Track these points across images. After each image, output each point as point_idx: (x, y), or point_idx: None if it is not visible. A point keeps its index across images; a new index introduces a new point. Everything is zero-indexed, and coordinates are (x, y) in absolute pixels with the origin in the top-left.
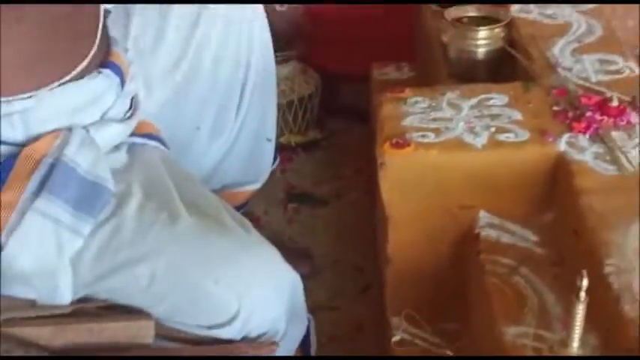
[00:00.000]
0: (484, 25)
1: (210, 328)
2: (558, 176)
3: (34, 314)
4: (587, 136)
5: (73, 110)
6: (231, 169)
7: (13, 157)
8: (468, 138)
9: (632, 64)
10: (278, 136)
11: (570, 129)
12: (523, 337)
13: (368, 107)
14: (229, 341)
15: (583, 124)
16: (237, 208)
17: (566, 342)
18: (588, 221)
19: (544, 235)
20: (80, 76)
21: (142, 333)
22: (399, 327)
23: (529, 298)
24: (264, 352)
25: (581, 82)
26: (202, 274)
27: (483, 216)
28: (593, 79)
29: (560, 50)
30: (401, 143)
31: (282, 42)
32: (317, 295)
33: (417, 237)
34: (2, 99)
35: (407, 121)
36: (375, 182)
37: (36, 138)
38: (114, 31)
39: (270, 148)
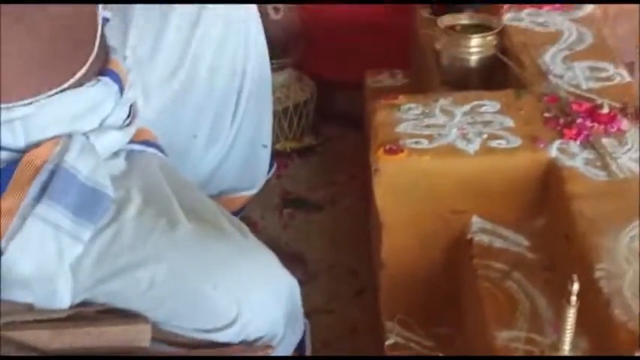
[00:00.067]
0: (477, 33)
1: (208, 331)
2: (549, 182)
3: (33, 318)
4: (578, 142)
5: (72, 117)
6: (228, 175)
7: (13, 163)
8: (461, 144)
9: (623, 72)
10: (274, 143)
11: (561, 135)
12: (515, 341)
13: (362, 114)
14: (226, 345)
15: (574, 131)
16: (234, 214)
17: (557, 346)
18: (579, 226)
19: (536, 240)
20: (79, 83)
21: (140, 337)
22: (392, 330)
23: (521, 303)
24: (259, 354)
25: (572, 89)
26: (201, 279)
27: (476, 221)
28: (584, 87)
29: (551, 58)
30: (394, 149)
31: (278, 50)
32: (312, 299)
33: (410, 242)
34: (3, 105)
35: (400, 128)
36: (369, 188)
37: (36, 144)
38: (112, 39)
39: (265, 155)
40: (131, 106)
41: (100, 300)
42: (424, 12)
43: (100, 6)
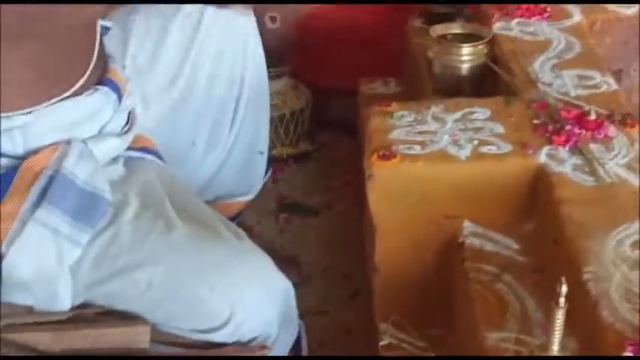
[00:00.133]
0: (468, 42)
1: (204, 332)
2: (539, 187)
3: (34, 320)
4: (567, 148)
5: (71, 125)
6: (226, 181)
7: (13, 170)
8: (452, 150)
9: (610, 80)
10: (270, 148)
11: (550, 142)
12: (505, 342)
13: (356, 121)
14: (222, 345)
15: (562, 137)
16: (231, 219)
17: (546, 346)
18: (567, 230)
19: (525, 244)
20: (78, 92)
21: (139, 338)
22: (386, 332)
23: (511, 304)
24: (255, 355)
25: (560, 96)
26: (198, 281)
27: (467, 225)
28: (572, 94)
29: (540, 66)
30: (387, 155)
31: (275, 58)
32: (307, 301)
33: (403, 245)
34: (2, 114)
35: (393, 134)
36: (363, 193)
37: (35, 151)
38: (112, 48)
39: (262, 161)
40: (129, 114)
41: (99, 302)
42: (417, 22)
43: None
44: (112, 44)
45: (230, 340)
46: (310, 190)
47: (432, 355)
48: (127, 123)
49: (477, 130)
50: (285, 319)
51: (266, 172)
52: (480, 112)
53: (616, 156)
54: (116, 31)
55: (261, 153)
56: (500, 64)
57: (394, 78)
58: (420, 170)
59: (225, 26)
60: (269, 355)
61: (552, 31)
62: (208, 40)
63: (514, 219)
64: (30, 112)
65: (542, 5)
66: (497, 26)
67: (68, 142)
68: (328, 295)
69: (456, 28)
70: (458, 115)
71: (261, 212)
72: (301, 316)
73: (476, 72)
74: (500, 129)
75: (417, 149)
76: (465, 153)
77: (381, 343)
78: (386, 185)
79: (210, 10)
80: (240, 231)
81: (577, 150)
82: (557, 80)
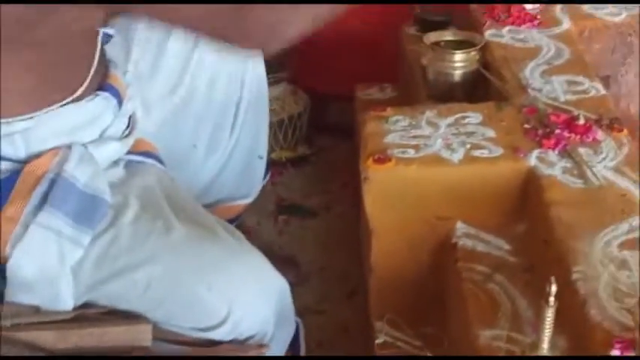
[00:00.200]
0: (460, 48)
1: (203, 330)
2: (529, 189)
3: (39, 320)
4: (556, 152)
5: (72, 129)
6: (226, 184)
7: (15, 173)
8: (446, 154)
9: (598, 85)
10: (269, 152)
11: (540, 145)
12: (497, 340)
13: (353, 125)
14: (220, 342)
15: (552, 141)
16: (231, 221)
17: (536, 344)
18: (557, 231)
19: (516, 245)
20: (79, 98)
21: (141, 336)
22: (382, 330)
23: (502, 303)
24: (253, 353)
25: (550, 101)
26: (196, 281)
27: (460, 226)
28: (562, 99)
29: (530, 72)
30: (383, 159)
31: (274, 65)
32: (305, 300)
33: (398, 246)
34: (3, 120)
35: (389, 138)
36: (360, 195)
37: (37, 155)
38: (114, 54)
39: (261, 165)
40: (130, 118)
41: (101, 302)
42: (411, 29)
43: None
44: (113, 50)
45: (228, 338)
46: (308, 193)
47: (427, 352)
48: (127, 127)
49: (470, 134)
50: (282, 317)
51: (265, 175)
52: (473, 116)
53: (604, 159)
54: (118, 39)
55: (261, 157)
56: (491, 70)
57: (390, 84)
58: (415, 173)
59: None
60: (267, 352)
61: (542, 38)
62: (208, 50)
63: (505, 220)
64: (31, 118)
65: (533, 13)
66: (489, 33)
67: (69, 146)
68: (326, 294)
69: (448, 36)
70: (451, 119)
71: (261, 214)
72: (299, 314)
73: (468, 78)
74: (491, 133)
75: (412, 153)
76: (457, 156)
77: (376, 341)
78: (381, 188)
79: None
80: (237, 232)
81: (566, 153)
82: (546, 86)
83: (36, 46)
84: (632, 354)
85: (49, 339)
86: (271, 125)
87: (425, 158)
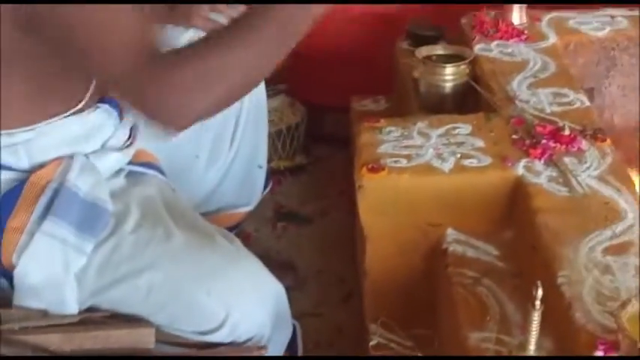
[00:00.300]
0: (451, 62)
1: (203, 333)
2: (517, 197)
3: (46, 323)
4: (542, 161)
5: (73, 140)
6: (227, 193)
7: (20, 184)
8: (436, 163)
9: (582, 97)
10: (268, 161)
11: (527, 155)
12: (486, 342)
13: (349, 135)
14: (219, 345)
15: (538, 151)
16: (231, 229)
17: (524, 346)
18: (544, 238)
19: (505, 250)
20: (80, 110)
21: (144, 339)
22: (376, 332)
23: (491, 307)
24: (252, 355)
25: (536, 113)
26: (196, 287)
27: (450, 233)
28: (548, 110)
29: (518, 84)
30: (376, 168)
31: (272, 77)
32: (302, 303)
33: (391, 251)
34: (5, 131)
35: (382, 148)
36: (354, 203)
37: (40, 165)
38: None
39: (261, 174)
40: (132, 129)
41: (105, 306)
42: (403, 44)
43: None
44: None
45: (227, 341)
46: (305, 200)
47: (418, 354)
48: (129, 138)
49: (460, 144)
50: (279, 320)
51: (265, 185)
52: (463, 127)
53: (588, 168)
54: None
55: (260, 167)
56: (480, 82)
57: (384, 96)
58: (407, 182)
59: None
60: (265, 355)
61: (529, 52)
62: None
63: (494, 227)
64: (32, 129)
65: (520, 28)
66: (478, 48)
67: (71, 156)
68: (322, 297)
69: (439, 50)
70: (442, 130)
71: (260, 221)
72: (297, 317)
73: (458, 90)
74: (480, 143)
75: (404, 162)
76: (448, 166)
77: (370, 343)
78: (375, 196)
79: None
80: (235, 239)
81: (552, 163)
82: (533, 98)
83: (37, 58)
84: (615, 355)
85: (56, 341)
86: (270, 135)
87: (417, 167)
